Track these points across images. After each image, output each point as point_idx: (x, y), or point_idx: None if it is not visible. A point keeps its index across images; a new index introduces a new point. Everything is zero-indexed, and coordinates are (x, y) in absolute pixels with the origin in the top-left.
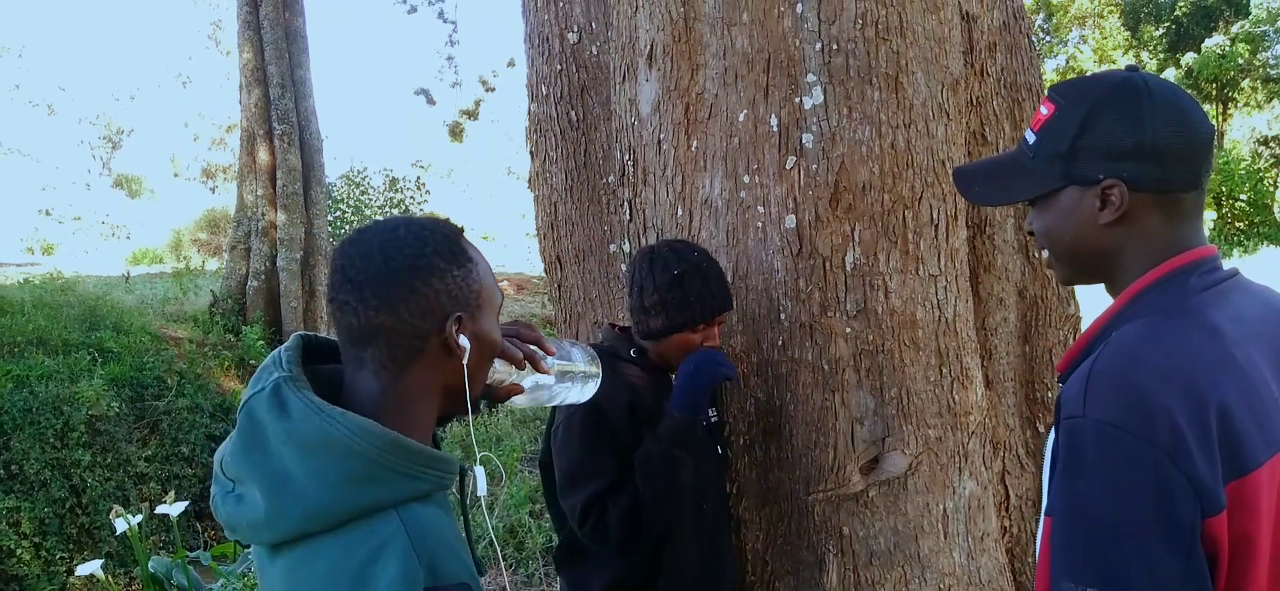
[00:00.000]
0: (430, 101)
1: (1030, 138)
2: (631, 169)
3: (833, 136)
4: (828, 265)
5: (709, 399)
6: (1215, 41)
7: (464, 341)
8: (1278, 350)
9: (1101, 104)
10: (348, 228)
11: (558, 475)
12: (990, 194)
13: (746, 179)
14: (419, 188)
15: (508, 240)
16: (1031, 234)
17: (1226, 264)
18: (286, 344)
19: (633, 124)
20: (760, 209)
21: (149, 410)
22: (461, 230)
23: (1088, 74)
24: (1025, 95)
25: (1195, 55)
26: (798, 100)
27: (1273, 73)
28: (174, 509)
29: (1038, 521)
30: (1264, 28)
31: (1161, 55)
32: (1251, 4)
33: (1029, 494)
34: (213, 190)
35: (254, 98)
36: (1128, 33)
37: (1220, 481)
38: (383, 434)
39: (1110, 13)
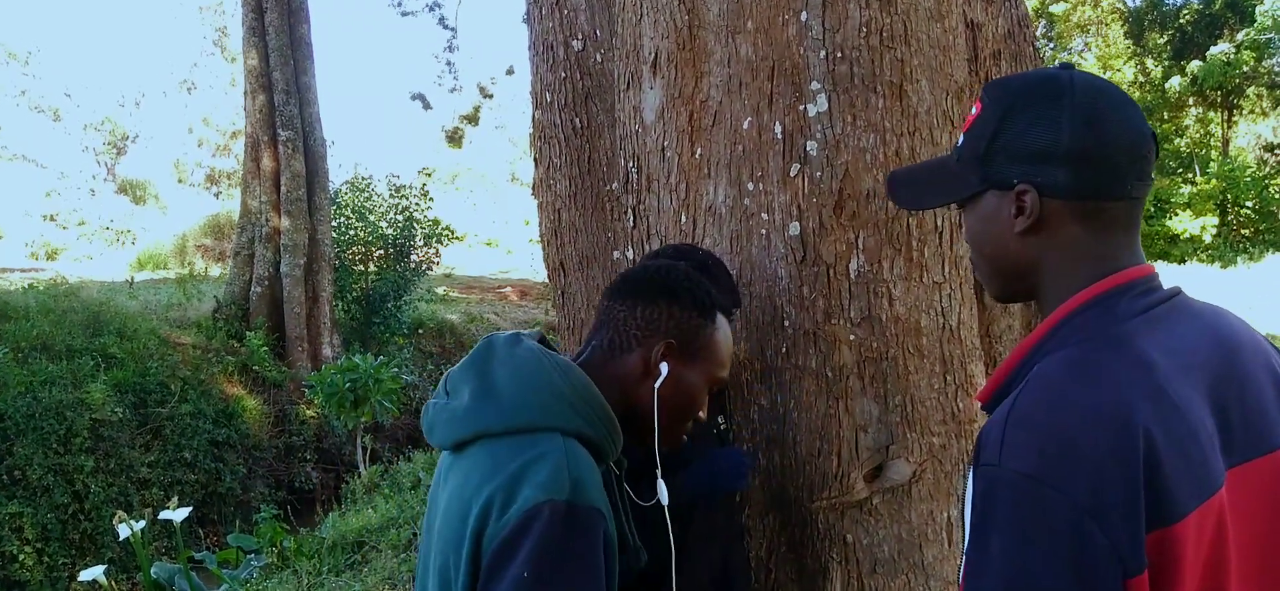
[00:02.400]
0: (426, 106)
1: (960, 140)
2: (635, 176)
3: (837, 144)
4: (832, 272)
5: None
6: (1221, 49)
7: (663, 366)
8: (1218, 381)
9: (1019, 102)
10: (352, 233)
11: None
12: (913, 197)
13: (750, 186)
14: (423, 195)
15: (512, 245)
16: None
17: (1222, 273)
18: (529, 331)
19: (636, 131)
20: (764, 216)
21: (152, 416)
22: (727, 302)
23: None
24: None
25: (1201, 63)
26: (802, 108)
27: (1279, 80)
28: (177, 514)
29: None
30: (1269, 35)
31: (1166, 63)
32: (1257, 11)
33: None
34: (217, 196)
35: (258, 104)
36: (1131, 41)
37: (1143, 537)
38: (581, 378)
39: (1113, 21)
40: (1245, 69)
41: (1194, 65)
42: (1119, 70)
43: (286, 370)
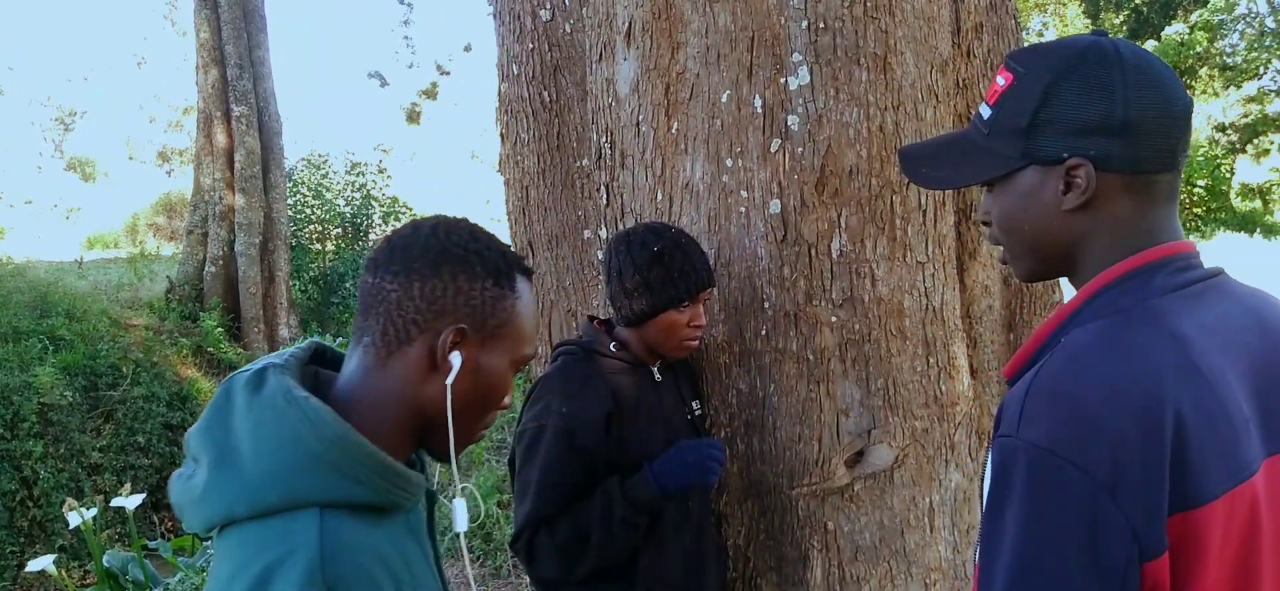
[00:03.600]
0: (383, 83)
1: (985, 112)
2: (608, 151)
3: (819, 118)
4: (813, 252)
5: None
6: (1175, 30)
7: (454, 358)
8: (1260, 363)
9: (1066, 72)
10: (308, 212)
11: (516, 476)
12: (941, 177)
13: (729, 162)
14: (381, 172)
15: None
16: (986, 224)
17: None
18: (302, 341)
19: (610, 104)
20: (744, 193)
21: (103, 399)
22: (524, 264)
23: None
24: None
25: (1156, 43)
26: (783, 80)
27: (1229, 61)
28: (130, 501)
29: None
30: (1221, 16)
31: None
32: None
33: None
34: (169, 174)
35: (211, 78)
36: (1089, 20)
37: (1165, 519)
38: (334, 425)
39: (1071, 1)
40: (1198, 49)
41: (1149, 45)
42: None
43: (242, 351)
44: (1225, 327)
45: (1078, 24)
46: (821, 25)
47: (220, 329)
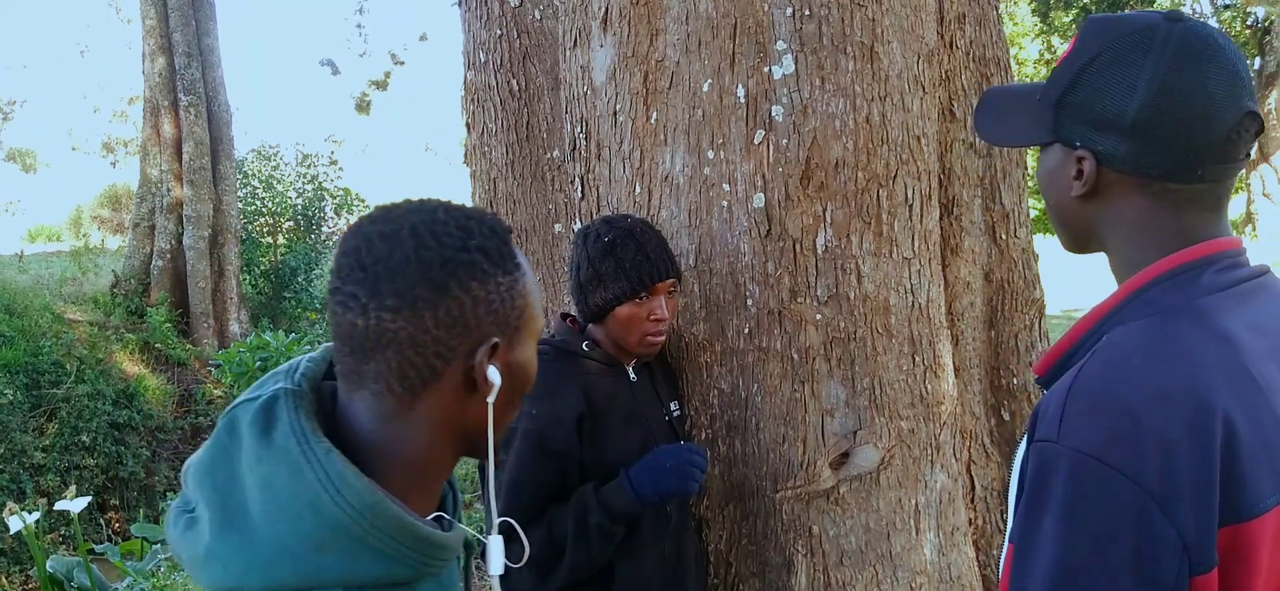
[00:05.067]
0: (335, 72)
1: (1053, 73)
2: (584, 142)
3: (804, 109)
4: (798, 247)
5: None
6: None
7: (494, 376)
8: None
9: (1105, 55)
10: (258, 204)
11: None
12: (988, 128)
13: (711, 154)
14: (333, 163)
15: None
16: None
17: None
18: (316, 352)
19: (585, 93)
20: (726, 186)
21: (46, 398)
22: (509, 230)
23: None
24: (993, 69)
25: None
26: (767, 69)
27: None
28: (75, 504)
29: (1003, 512)
30: None
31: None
32: None
33: (994, 484)
34: (114, 165)
35: (158, 67)
36: (1038, 19)
37: (1215, 531)
38: (362, 492)
39: None
40: None
41: None
42: (1025, 48)
43: (191, 348)
44: (1275, 329)
45: (1028, 22)
46: (807, 12)
47: (168, 324)
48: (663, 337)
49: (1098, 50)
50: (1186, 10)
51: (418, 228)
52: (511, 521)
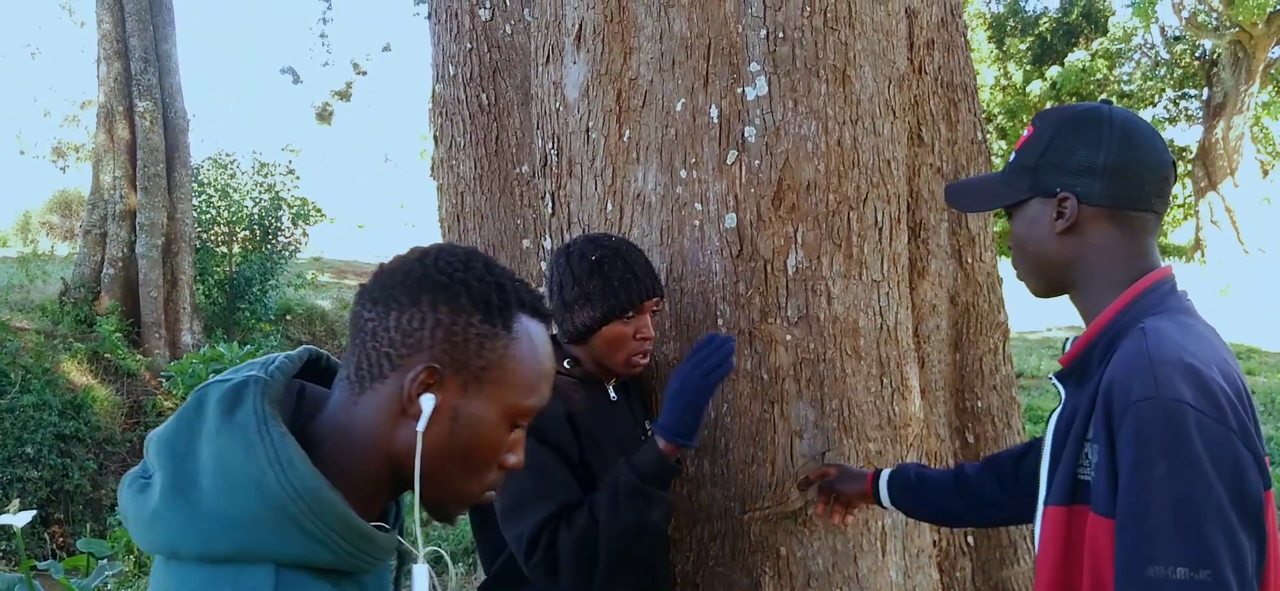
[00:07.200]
0: (296, 79)
1: (1012, 157)
2: (555, 158)
3: (777, 131)
4: (769, 268)
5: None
6: (1077, 57)
7: (423, 401)
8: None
9: (1067, 126)
10: (214, 213)
11: (498, 504)
12: (970, 201)
13: (683, 173)
14: (290, 172)
15: (384, 230)
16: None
17: None
18: (294, 351)
19: (557, 109)
20: (698, 206)
21: None
22: (545, 314)
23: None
24: (960, 95)
25: (1059, 69)
26: (740, 90)
27: (1127, 87)
28: (18, 518)
29: (965, 534)
30: (1119, 45)
31: (1027, 67)
32: (1110, 22)
33: None
34: (64, 170)
35: (113, 71)
36: (994, 46)
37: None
38: (305, 475)
39: (979, 27)
40: (1099, 76)
41: (1053, 71)
42: (981, 73)
43: (142, 358)
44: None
45: (985, 49)
46: (780, 35)
47: (118, 334)
48: (647, 358)
49: (1060, 124)
50: (1139, 41)
51: (434, 252)
52: (441, 551)
